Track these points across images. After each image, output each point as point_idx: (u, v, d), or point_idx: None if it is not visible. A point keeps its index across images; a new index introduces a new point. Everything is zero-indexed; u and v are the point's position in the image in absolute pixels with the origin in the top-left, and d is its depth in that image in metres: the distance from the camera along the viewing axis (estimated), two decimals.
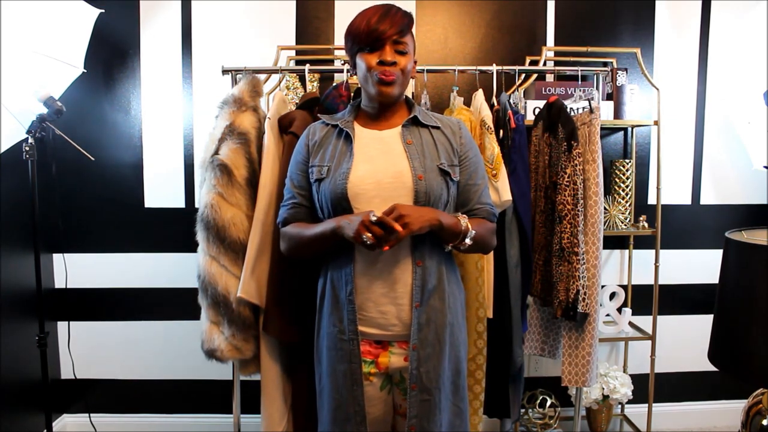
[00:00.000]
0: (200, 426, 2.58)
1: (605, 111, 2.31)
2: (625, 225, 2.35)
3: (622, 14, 2.52)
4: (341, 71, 1.93)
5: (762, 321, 1.11)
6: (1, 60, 1.79)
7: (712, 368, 1.27)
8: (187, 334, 2.51)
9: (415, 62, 1.41)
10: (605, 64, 2.48)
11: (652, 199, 2.57)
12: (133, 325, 2.55)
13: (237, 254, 1.72)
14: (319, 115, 1.52)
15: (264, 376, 1.78)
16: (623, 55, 2.48)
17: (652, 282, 2.39)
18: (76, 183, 2.47)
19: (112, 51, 2.44)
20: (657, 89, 2.32)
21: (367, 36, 1.29)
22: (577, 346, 1.92)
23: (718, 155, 2.60)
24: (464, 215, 1.34)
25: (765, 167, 2.39)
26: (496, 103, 1.92)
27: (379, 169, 1.32)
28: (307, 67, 1.92)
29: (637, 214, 2.48)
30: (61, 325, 2.52)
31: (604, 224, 2.29)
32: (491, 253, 1.81)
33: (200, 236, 1.73)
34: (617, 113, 2.34)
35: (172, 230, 2.50)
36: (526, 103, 2.26)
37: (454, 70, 1.92)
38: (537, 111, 2.19)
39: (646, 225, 2.38)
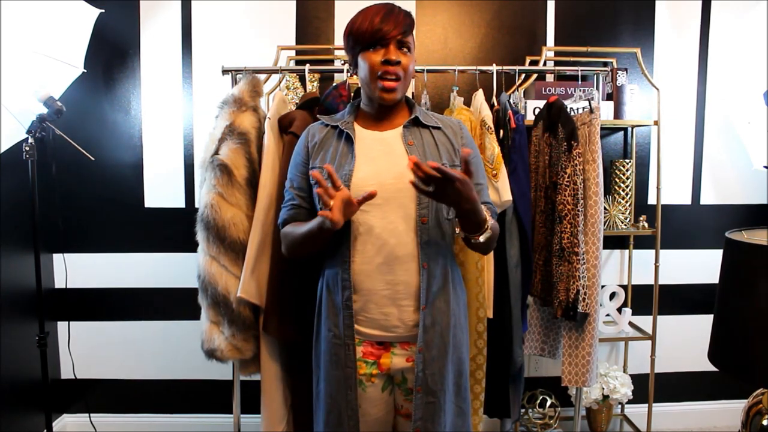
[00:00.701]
0: (200, 426, 2.58)
1: (605, 111, 2.31)
2: (625, 225, 2.35)
3: (622, 14, 2.52)
4: (341, 71, 1.94)
5: (762, 321, 1.11)
6: (1, 60, 1.79)
7: (712, 368, 1.27)
8: (187, 334, 2.51)
9: (414, 61, 1.40)
10: (605, 64, 2.48)
11: (652, 199, 2.57)
12: (133, 325, 2.55)
13: (237, 254, 1.72)
14: (318, 116, 1.51)
15: (264, 376, 1.78)
16: (623, 55, 2.48)
17: (652, 282, 2.39)
18: (76, 183, 2.47)
19: (112, 51, 2.44)
20: (657, 89, 2.32)
21: (372, 35, 1.28)
22: (577, 346, 1.92)
23: (718, 155, 2.60)
24: (488, 210, 1.31)
25: (765, 167, 2.39)
26: (496, 103, 1.92)
27: (381, 170, 1.31)
28: (307, 67, 1.92)
29: (637, 214, 2.48)
30: (61, 325, 2.52)
31: (604, 224, 2.29)
32: (491, 253, 1.81)
33: (200, 236, 1.73)
34: (617, 113, 2.34)
35: (172, 230, 2.50)
36: (526, 103, 2.26)
37: (454, 70, 1.92)
38: (537, 111, 2.19)
39: (646, 225, 2.38)
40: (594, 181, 1.86)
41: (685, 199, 2.61)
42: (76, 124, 2.37)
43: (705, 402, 2.71)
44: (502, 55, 2.49)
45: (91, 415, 2.54)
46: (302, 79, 2.39)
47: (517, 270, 1.90)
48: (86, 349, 2.52)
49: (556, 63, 2.50)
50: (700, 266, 2.62)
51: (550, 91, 2.31)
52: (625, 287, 2.54)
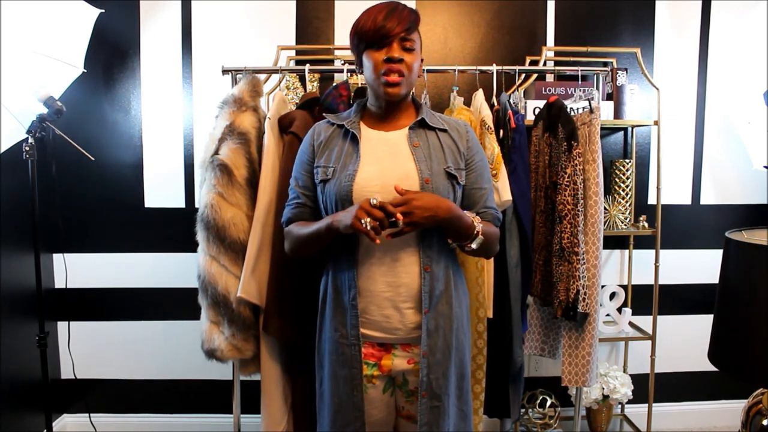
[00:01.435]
0: (200, 426, 2.58)
1: (605, 111, 2.31)
2: (625, 225, 2.35)
3: (622, 14, 2.52)
4: (341, 71, 1.93)
5: (762, 321, 1.11)
6: (1, 60, 1.79)
7: (712, 368, 1.27)
8: (187, 334, 2.51)
9: (422, 60, 1.39)
10: (605, 64, 2.48)
11: (652, 199, 2.57)
12: (133, 325, 2.55)
13: (237, 254, 1.72)
14: (324, 114, 1.50)
15: (264, 376, 1.78)
16: (623, 55, 2.48)
17: (652, 282, 2.39)
18: (76, 183, 2.47)
19: (112, 51, 2.44)
20: (657, 89, 2.32)
21: (375, 33, 1.27)
22: (577, 346, 1.92)
23: (718, 155, 2.60)
24: (477, 216, 1.32)
25: (765, 167, 2.39)
26: (496, 103, 1.92)
27: (386, 171, 1.30)
28: (307, 67, 1.92)
29: (637, 214, 2.48)
30: (61, 325, 2.52)
31: (604, 224, 2.29)
32: None
33: (200, 236, 1.73)
34: (617, 113, 2.34)
35: (172, 230, 2.50)
36: (526, 103, 2.26)
37: (454, 70, 1.92)
38: (537, 111, 2.19)
39: (646, 225, 2.38)
40: (594, 181, 1.86)
41: (685, 199, 2.61)
42: (76, 124, 2.37)
43: (705, 402, 2.71)
44: (502, 55, 2.49)
45: (91, 415, 2.54)
46: (302, 79, 2.39)
47: (517, 270, 1.90)
48: (86, 349, 2.52)
49: (556, 63, 2.50)
50: (700, 266, 2.62)
51: (550, 91, 2.31)
52: (625, 287, 2.54)
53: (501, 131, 1.88)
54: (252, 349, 1.77)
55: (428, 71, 1.93)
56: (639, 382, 2.52)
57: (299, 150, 1.45)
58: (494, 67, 1.93)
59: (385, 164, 1.32)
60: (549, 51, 2.47)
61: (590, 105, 1.88)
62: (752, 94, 2.45)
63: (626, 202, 2.35)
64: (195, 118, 2.48)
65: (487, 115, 1.82)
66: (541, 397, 2.47)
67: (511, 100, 2.05)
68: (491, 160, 1.78)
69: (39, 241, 1.96)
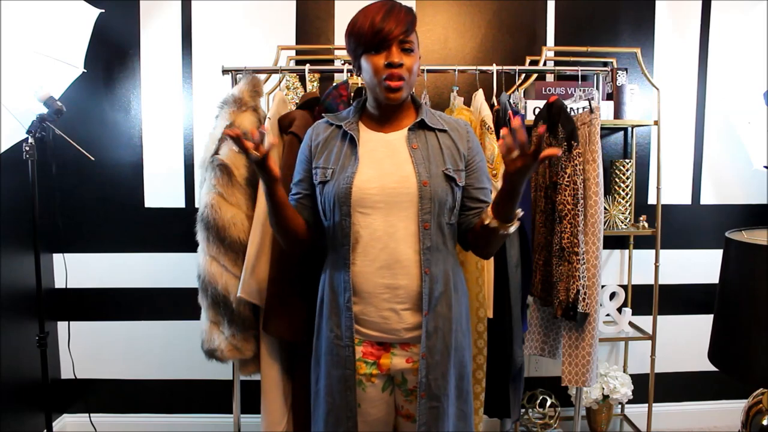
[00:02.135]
0: (200, 426, 2.58)
1: (605, 111, 2.31)
2: (625, 225, 2.35)
3: (622, 14, 2.52)
4: (341, 71, 1.93)
5: (762, 321, 1.12)
6: (1, 60, 1.79)
7: (712, 368, 1.27)
8: (187, 334, 2.51)
9: (419, 58, 1.37)
10: (605, 64, 2.48)
11: (652, 199, 2.57)
12: (133, 325, 2.55)
13: (237, 254, 1.72)
14: (324, 114, 1.49)
15: (264, 376, 1.78)
16: (623, 55, 2.48)
17: (652, 282, 2.39)
18: (76, 183, 2.47)
19: (112, 51, 2.44)
20: (657, 89, 2.32)
21: (373, 36, 1.25)
22: (577, 346, 1.92)
23: (718, 155, 2.60)
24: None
25: (765, 167, 2.39)
26: (496, 103, 1.92)
27: (384, 173, 1.30)
28: (307, 67, 1.92)
29: (637, 214, 2.48)
30: (61, 325, 2.52)
31: (604, 224, 2.29)
32: None
33: (200, 236, 1.73)
34: (617, 113, 2.34)
35: (172, 230, 2.50)
36: (526, 103, 2.26)
37: (454, 70, 1.92)
38: (537, 111, 2.19)
39: (646, 225, 2.38)
40: (594, 181, 1.86)
41: (685, 199, 2.61)
42: (76, 124, 2.37)
43: (705, 402, 2.71)
44: (502, 55, 2.49)
45: (91, 415, 2.54)
46: (302, 79, 2.39)
47: (517, 270, 1.90)
48: (86, 349, 2.52)
49: (556, 63, 2.50)
50: (700, 266, 2.62)
51: (550, 91, 2.31)
52: (625, 287, 2.54)
53: (501, 131, 1.88)
54: (252, 349, 1.77)
55: (428, 71, 1.93)
56: (639, 382, 2.52)
57: (299, 149, 1.45)
58: (494, 67, 1.93)
59: (383, 166, 1.31)
60: (549, 51, 2.47)
61: (590, 105, 1.88)
62: (752, 94, 2.45)
63: (626, 202, 2.35)
64: (195, 118, 2.48)
65: (487, 115, 1.82)
66: (541, 397, 2.47)
67: (511, 100, 2.05)
68: (491, 160, 1.78)
69: (39, 241, 1.96)
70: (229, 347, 1.73)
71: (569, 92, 2.29)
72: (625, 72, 2.40)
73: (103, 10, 2.09)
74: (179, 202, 2.51)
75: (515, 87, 2.23)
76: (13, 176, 2.19)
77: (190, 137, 2.49)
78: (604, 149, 2.46)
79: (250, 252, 1.70)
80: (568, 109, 1.95)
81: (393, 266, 1.30)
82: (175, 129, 2.49)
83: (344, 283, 1.32)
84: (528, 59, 2.46)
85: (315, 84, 2.38)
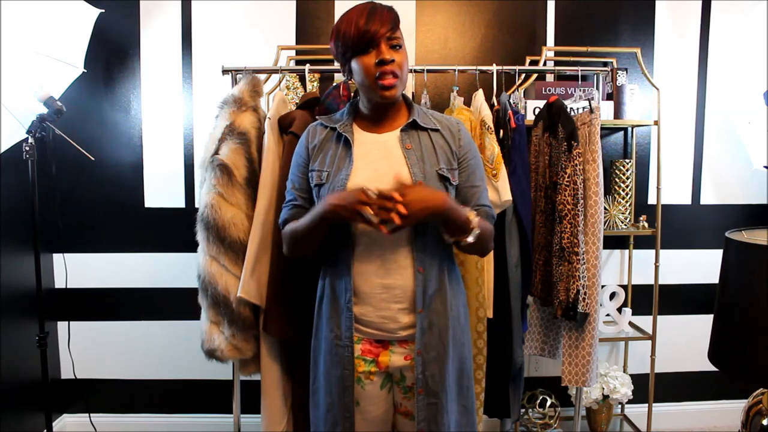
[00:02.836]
0: (200, 426, 2.58)
1: (605, 111, 2.31)
2: (625, 225, 2.35)
3: (622, 14, 2.52)
4: (341, 71, 1.93)
5: (762, 321, 1.12)
6: (1, 60, 1.79)
7: (712, 368, 1.27)
8: (187, 334, 2.51)
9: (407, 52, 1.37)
10: (605, 64, 2.48)
11: (652, 199, 2.57)
12: (133, 325, 2.55)
13: (237, 254, 1.72)
14: (317, 117, 1.50)
15: (264, 376, 1.78)
16: (623, 55, 2.48)
17: (652, 282, 2.39)
18: (76, 183, 2.47)
19: (112, 51, 2.44)
20: (657, 89, 2.32)
21: (360, 39, 1.26)
22: (577, 346, 1.92)
23: (718, 155, 2.60)
24: (473, 211, 1.31)
25: (765, 167, 2.39)
26: (496, 103, 1.92)
27: (379, 174, 1.30)
28: (307, 67, 1.92)
29: (637, 214, 2.48)
30: (61, 325, 2.52)
31: (604, 224, 2.29)
32: (491, 253, 1.81)
33: (200, 236, 1.73)
34: (617, 113, 2.34)
35: (172, 230, 2.50)
36: (526, 103, 2.26)
37: (454, 70, 1.92)
38: (537, 111, 2.19)
39: (646, 225, 2.38)
40: (594, 181, 1.86)
41: (685, 199, 2.61)
42: (76, 124, 2.37)
43: (705, 402, 2.71)
44: (502, 55, 2.49)
45: (91, 415, 2.54)
46: (302, 79, 2.39)
47: (517, 270, 1.90)
48: (86, 349, 2.52)
49: (556, 63, 2.50)
50: (700, 266, 2.62)
51: (550, 91, 2.31)
52: (625, 287, 2.54)
53: (501, 131, 1.88)
54: (252, 349, 1.77)
55: (428, 71, 1.93)
56: (639, 382, 2.52)
57: (295, 152, 1.46)
58: (494, 67, 1.93)
59: (378, 167, 1.32)
60: (549, 51, 2.47)
61: (590, 105, 1.88)
62: (752, 94, 2.45)
63: (626, 202, 2.35)
64: (195, 118, 2.48)
65: (487, 115, 1.82)
66: (541, 397, 2.47)
67: (511, 100, 2.05)
68: (491, 160, 1.78)
69: (39, 241, 1.96)
70: (229, 347, 1.73)
71: (569, 92, 2.29)
72: (625, 72, 2.40)
73: (103, 10, 2.09)
74: (179, 202, 2.51)
75: (515, 87, 2.23)
76: (13, 176, 2.19)
77: (190, 137, 2.49)
78: (604, 149, 2.46)
79: (250, 252, 1.70)
80: (568, 109, 1.95)
81: (389, 266, 1.31)
82: (175, 129, 2.49)
83: (345, 284, 1.33)
84: (528, 59, 2.46)
85: (315, 84, 2.38)
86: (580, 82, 2.10)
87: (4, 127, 1.90)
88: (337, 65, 1.41)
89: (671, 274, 2.60)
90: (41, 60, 1.90)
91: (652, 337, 2.36)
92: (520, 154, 1.89)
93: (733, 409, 2.67)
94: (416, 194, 1.18)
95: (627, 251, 2.58)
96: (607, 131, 2.56)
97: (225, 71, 1.93)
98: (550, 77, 2.36)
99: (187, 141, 2.49)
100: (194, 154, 2.48)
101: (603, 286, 2.41)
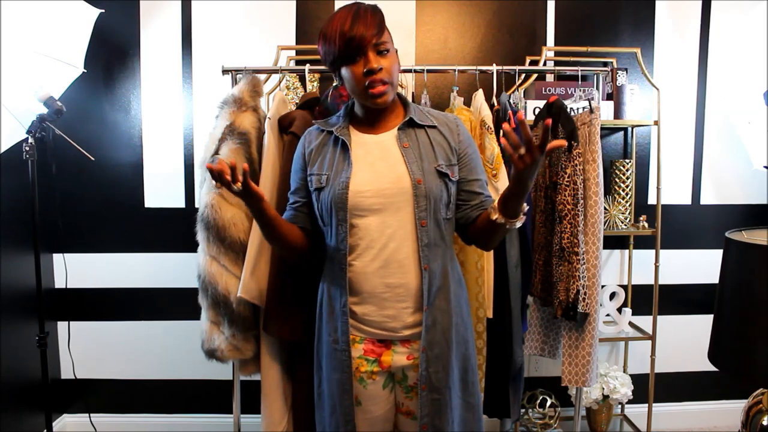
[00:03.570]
0: (200, 426, 2.58)
1: (605, 111, 2.31)
2: (625, 225, 2.35)
3: (622, 14, 2.52)
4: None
5: (762, 321, 1.12)
6: (1, 60, 1.79)
7: (712, 368, 1.27)
8: (187, 334, 2.51)
9: (396, 52, 1.34)
10: (605, 64, 2.48)
11: (652, 199, 2.57)
12: (133, 325, 2.55)
13: (237, 254, 1.72)
14: (314, 121, 1.49)
15: (264, 376, 1.78)
16: (623, 55, 2.48)
17: (652, 282, 2.39)
18: (76, 183, 2.47)
19: (112, 51, 2.44)
20: (657, 89, 2.32)
21: (346, 46, 1.24)
22: (577, 346, 1.92)
23: (718, 155, 2.60)
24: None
25: (765, 167, 2.39)
26: (496, 103, 1.92)
27: (378, 175, 1.31)
28: (307, 67, 1.92)
29: (637, 214, 2.48)
30: (61, 325, 2.52)
31: (604, 224, 2.29)
32: (491, 253, 1.81)
33: (200, 236, 1.73)
34: (617, 113, 2.34)
35: (172, 230, 2.50)
36: (526, 103, 2.26)
37: (454, 70, 1.92)
38: (537, 111, 2.19)
39: (646, 225, 2.38)
40: (594, 181, 1.86)
41: (685, 199, 2.61)
42: (76, 124, 2.37)
43: (705, 402, 2.71)
44: (502, 55, 2.49)
45: (91, 415, 2.54)
46: (302, 79, 2.39)
47: (517, 270, 1.90)
48: (86, 349, 2.53)
49: (556, 63, 2.50)
50: (700, 266, 2.62)
51: (550, 91, 2.31)
52: (625, 287, 2.54)
53: (502, 127, 1.88)
54: (252, 349, 1.77)
55: (428, 71, 1.93)
56: (639, 382, 2.52)
57: (294, 157, 1.46)
58: (494, 67, 1.93)
59: (376, 168, 1.32)
60: (549, 51, 2.47)
61: (590, 105, 1.88)
62: (752, 94, 2.45)
63: (626, 202, 2.35)
64: (195, 118, 2.48)
65: (487, 115, 1.82)
66: (541, 397, 2.47)
67: (511, 100, 2.05)
68: (491, 161, 1.78)
69: (39, 241, 1.96)
70: (229, 347, 1.73)
71: (569, 92, 2.29)
72: (625, 72, 2.40)
73: (103, 10, 2.09)
74: (179, 202, 2.51)
75: (515, 87, 2.23)
76: (13, 176, 2.19)
77: (190, 137, 2.49)
78: (604, 149, 2.46)
79: (250, 252, 1.70)
80: (568, 109, 1.95)
81: (392, 265, 1.31)
82: (175, 129, 2.49)
83: (341, 288, 1.34)
84: (528, 59, 2.46)
85: (315, 84, 2.38)
86: (580, 82, 2.10)
87: (4, 127, 1.90)
88: None
89: (671, 274, 2.60)
90: (41, 60, 1.90)
91: (652, 337, 2.36)
92: None
93: (733, 409, 2.67)
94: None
95: (627, 251, 2.58)
96: (607, 131, 2.56)
97: (225, 71, 1.93)
98: (550, 77, 2.36)
99: (187, 141, 2.49)
100: (194, 154, 2.48)
101: (603, 286, 2.41)
